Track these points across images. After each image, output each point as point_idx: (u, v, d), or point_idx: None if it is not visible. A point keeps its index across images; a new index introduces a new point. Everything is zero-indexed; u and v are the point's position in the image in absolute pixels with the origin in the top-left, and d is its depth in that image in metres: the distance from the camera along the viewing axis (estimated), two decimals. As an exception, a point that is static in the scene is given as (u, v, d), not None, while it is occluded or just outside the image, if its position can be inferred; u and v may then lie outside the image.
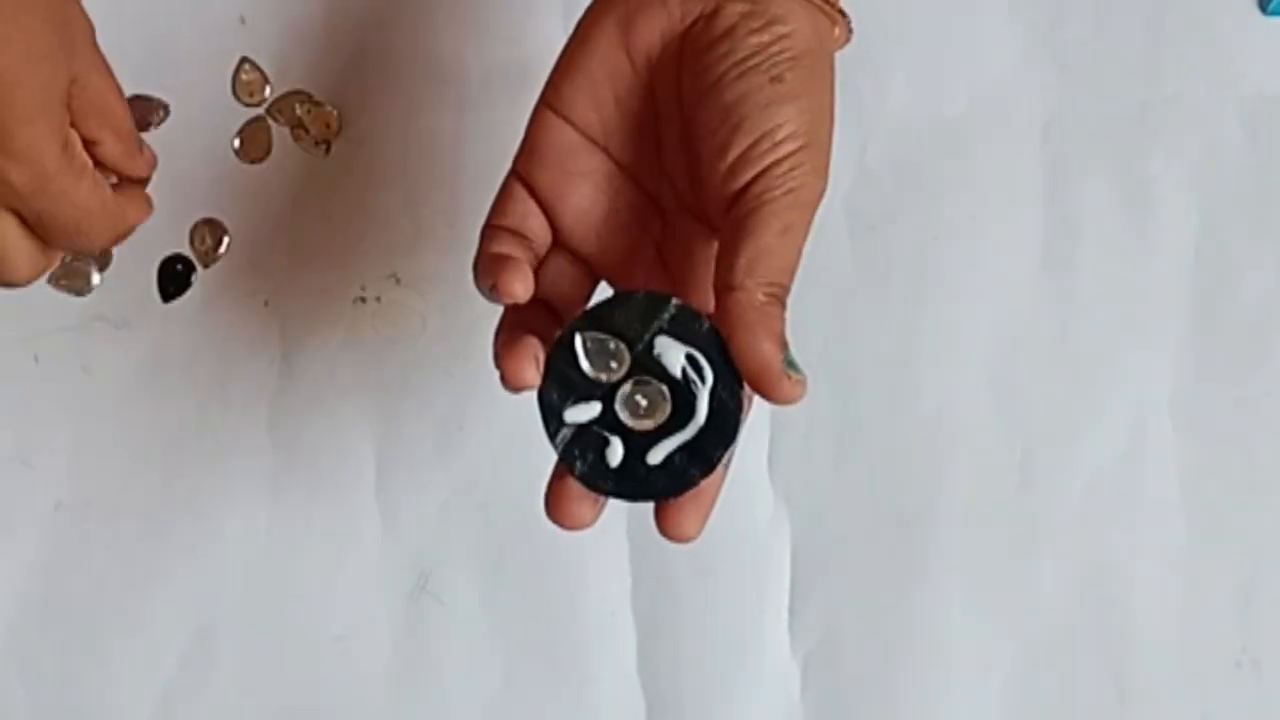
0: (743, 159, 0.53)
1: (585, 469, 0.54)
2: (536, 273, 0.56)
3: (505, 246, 0.56)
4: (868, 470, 0.74)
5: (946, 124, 0.74)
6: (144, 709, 0.72)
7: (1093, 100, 0.75)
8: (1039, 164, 0.74)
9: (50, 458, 0.72)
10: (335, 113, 0.73)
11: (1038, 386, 0.74)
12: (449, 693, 0.73)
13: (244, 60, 0.73)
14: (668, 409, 0.53)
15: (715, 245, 0.55)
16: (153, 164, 0.62)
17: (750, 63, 0.54)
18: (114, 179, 0.60)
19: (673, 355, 0.53)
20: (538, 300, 0.56)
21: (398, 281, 0.73)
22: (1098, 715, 0.74)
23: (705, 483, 0.54)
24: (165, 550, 0.72)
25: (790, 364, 0.53)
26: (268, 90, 0.73)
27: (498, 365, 0.54)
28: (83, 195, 0.57)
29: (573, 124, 0.57)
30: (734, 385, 0.53)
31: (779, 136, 0.53)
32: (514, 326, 0.56)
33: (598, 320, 0.54)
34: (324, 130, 0.73)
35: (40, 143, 0.55)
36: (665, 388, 0.53)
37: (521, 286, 0.54)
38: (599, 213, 0.57)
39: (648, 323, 0.53)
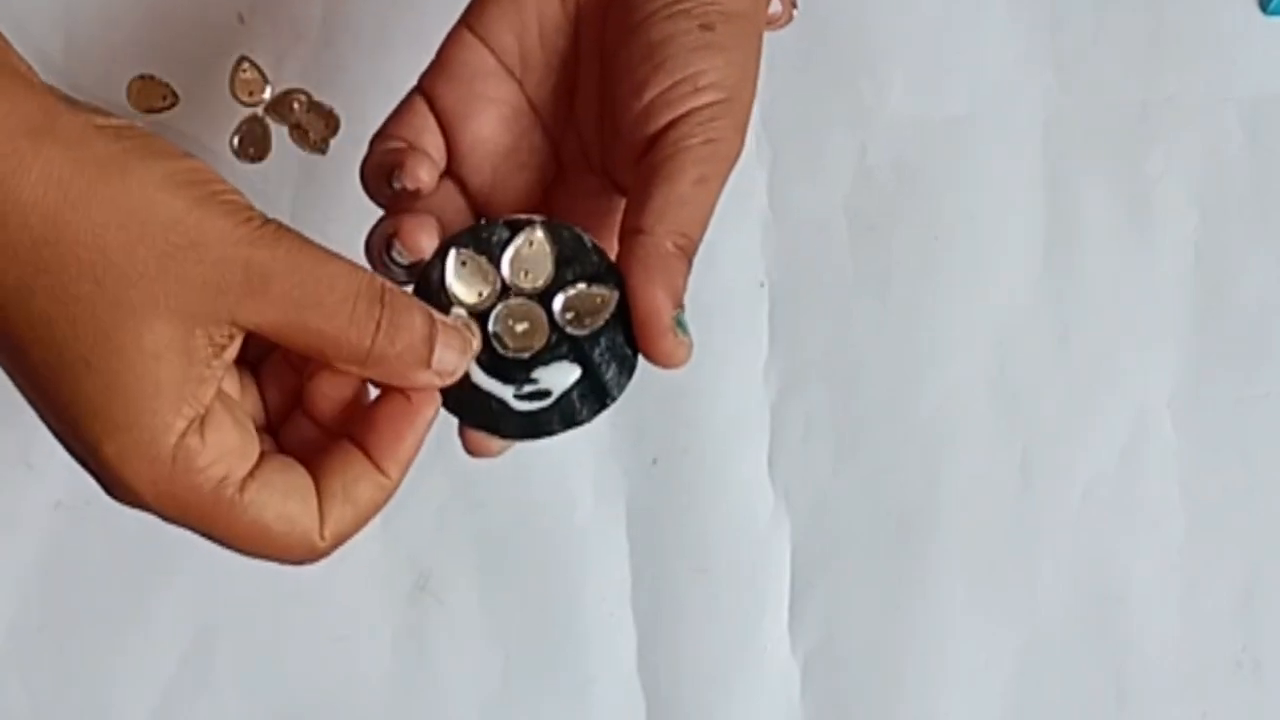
0: (661, 99, 0.51)
1: (450, 397, 0.51)
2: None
3: (401, 147, 0.54)
4: (868, 470, 0.74)
5: (946, 124, 0.74)
6: (144, 709, 0.72)
7: (1093, 100, 0.75)
8: (1039, 164, 0.74)
9: (50, 458, 0.72)
10: (334, 112, 0.73)
11: (1038, 386, 0.74)
12: (449, 693, 0.73)
13: (243, 59, 0.73)
14: (545, 336, 0.51)
15: (606, 202, 0.54)
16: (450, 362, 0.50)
17: (681, 6, 0.52)
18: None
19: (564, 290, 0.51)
20: None
21: (398, 281, 0.73)
22: (1098, 715, 0.74)
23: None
24: (165, 550, 0.72)
25: (680, 324, 0.51)
26: (267, 90, 0.73)
27: (387, 246, 0.51)
28: (238, 523, 0.47)
29: (490, 48, 0.54)
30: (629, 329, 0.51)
31: (701, 82, 0.51)
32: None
33: (475, 239, 0.51)
34: (323, 129, 0.73)
35: (132, 474, 0.46)
36: (540, 312, 0.51)
37: (426, 173, 0.52)
38: (498, 145, 0.55)
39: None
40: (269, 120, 0.73)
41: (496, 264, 0.51)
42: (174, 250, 0.45)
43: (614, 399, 0.51)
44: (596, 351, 0.51)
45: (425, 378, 0.49)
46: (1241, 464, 0.74)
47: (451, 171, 0.55)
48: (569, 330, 0.51)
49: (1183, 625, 0.74)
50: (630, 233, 0.51)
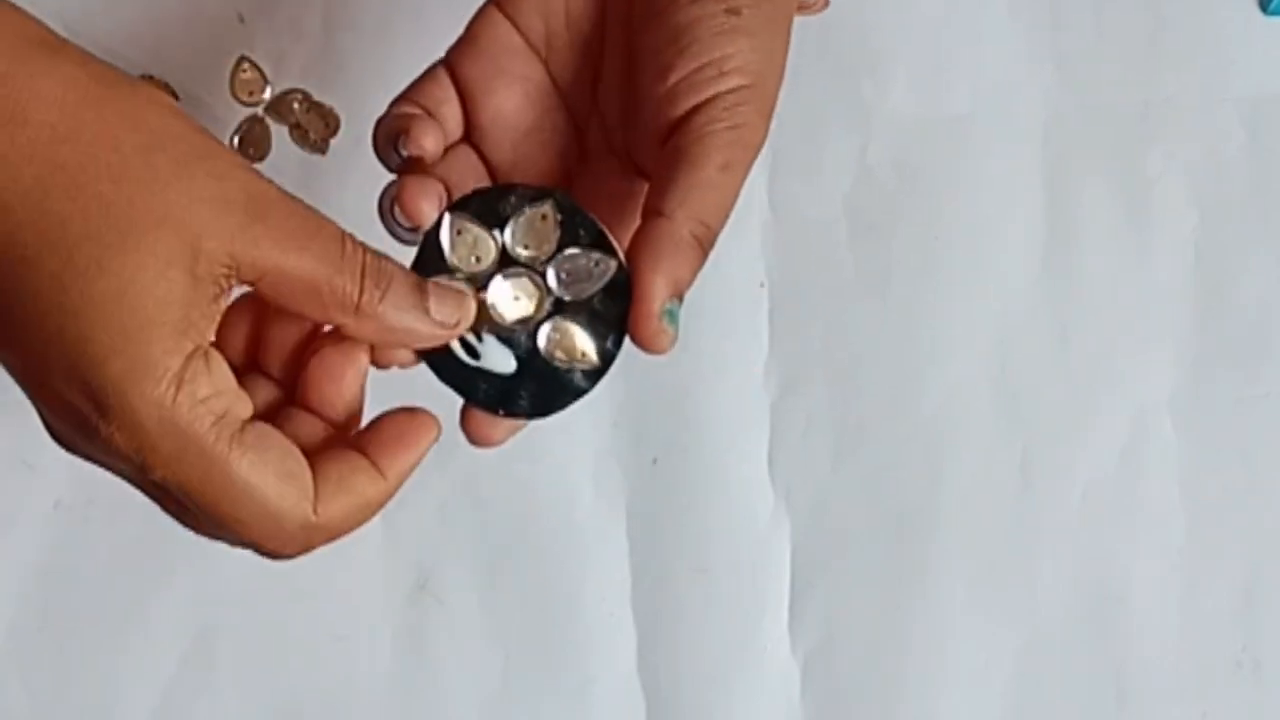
0: (685, 83, 0.51)
1: (449, 371, 0.51)
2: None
3: (412, 113, 0.54)
4: (868, 470, 0.74)
5: (946, 124, 0.74)
6: (144, 709, 0.72)
7: (1093, 100, 0.75)
8: (1039, 164, 0.74)
9: (50, 458, 0.72)
10: (334, 112, 0.73)
11: (1038, 386, 0.74)
12: (449, 693, 0.73)
13: (243, 59, 0.73)
14: (541, 307, 0.51)
15: (626, 185, 0.53)
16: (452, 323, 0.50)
17: None
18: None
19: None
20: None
21: (398, 281, 0.73)
22: (1098, 715, 0.74)
23: None
24: (165, 550, 0.72)
25: (671, 314, 0.50)
26: (267, 90, 0.73)
27: (392, 207, 0.51)
28: (234, 471, 0.46)
29: (517, 26, 0.55)
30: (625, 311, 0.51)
31: (726, 67, 0.51)
32: None
33: (483, 205, 0.51)
34: (323, 129, 0.73)
35: (137, 394, 0.45)
36: (539, 280, 0.51)
37: (431, 140, 0.52)
38: (522, 122, 0.55)
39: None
40: (269, 120, 0.73)
41: (500, 231, 0.51)
42: (187, 160, 0.45)
43: (607, 366, 0.51)
44: (588, 318, 0.51)
45: (426, 328, 0.49)
46: (1241, 464, 0.74)
47: (473, 145, 0.55)
48: (565, 299, 0.51)
49: (1183, 625, 0.74)
50: (650, 213, 0.50)
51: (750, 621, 0.74)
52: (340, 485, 0.48)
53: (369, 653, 0.73)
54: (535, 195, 0.51)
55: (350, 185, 0.73)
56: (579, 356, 0.51)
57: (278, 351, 0.50)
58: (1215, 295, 0.75)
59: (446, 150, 0.54)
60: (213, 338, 0.46)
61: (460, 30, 0.75)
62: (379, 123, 0.54)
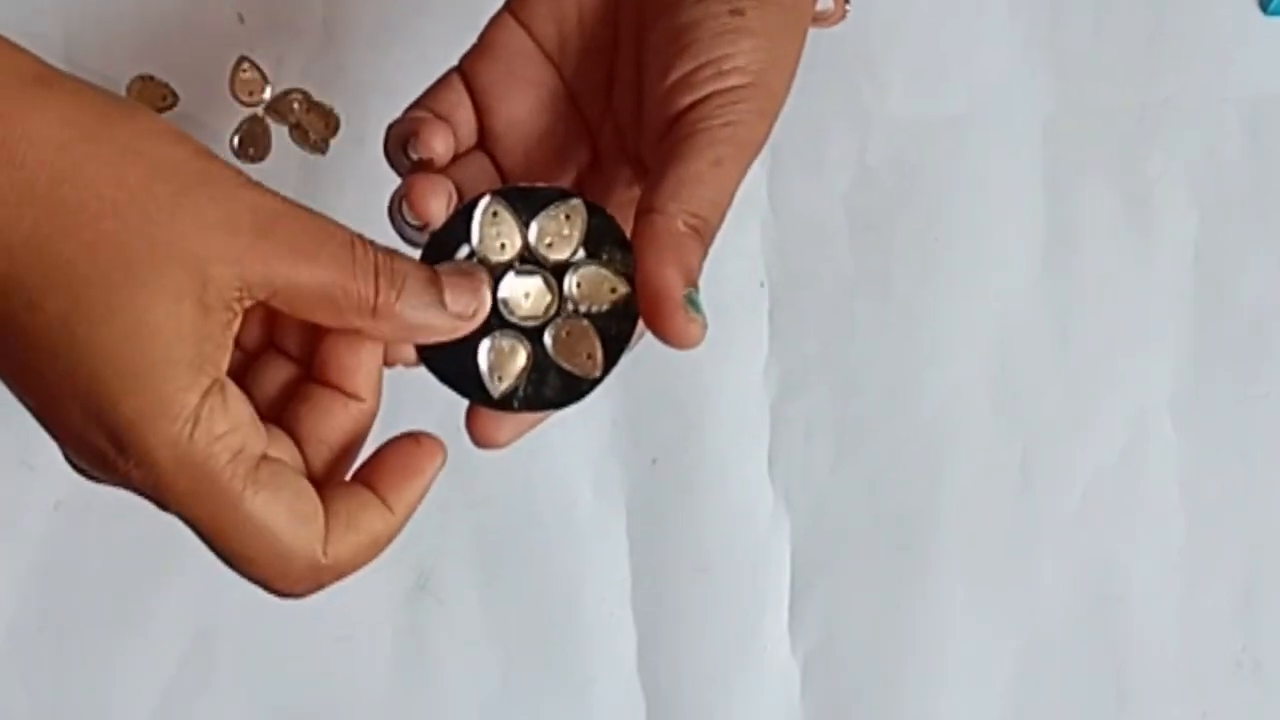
0: (684, 81, 0.51)
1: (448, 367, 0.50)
2: (450, 163, 0.53)
3: (422, 117, 0.54)
4: (868, 470, 0.74)
5: (946, 124, 0.74)
6: (144, 709, 0.72)
7: (1093, 100, 0.75)
8: (1039, 164, 0.74)
9: (50, 458, 0.72)
10: (334, 112, 0.73)
11: (1038, 386, 0.74)
12: (449, 692, 0.73)
13: (243, 59, 0.73)
14: (550, 305, 0.51)
15: (635, 192, 0.53)
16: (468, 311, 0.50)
17: None
18: None
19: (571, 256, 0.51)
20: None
21: (398, 281, 0.73)
22: (1098, 715, 0.74)
23: None
24: (165, 550, 0.72)
25: (692, 302, 0.49)
26: (267, 90, 0.73)
27: (401, 205, 0.51)
28: (247, 509, 0.46)
29: (531, 32, 0.55)
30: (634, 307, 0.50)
31: (725, 66, 0.51)
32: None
33: (510, 199, 0.51)
34: (323, 129, 0.73)
35: (152, 434, 0.44)
36: (553, 282, 0.51)
37: (441, 143, 0.52)
38: (534, 128, 0.55)
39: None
40: (269, 120, 0.73)
41: (524, 227, 0.51)
42: (188, 187, 0.44)
43: (608, 371, 0.51)
44: (596, 322, 0.51)
45: (444, 322, 0.48)
46: (1241, 464, 0.74)
47: (486, 150, 0.55)
48: (576, 306, 0.51)
49: (1183, 625, 0.74)
50: (642, 212, 0.50)
51: (750, 621, 0.74)
52: (350, 524, 0.48)
53: (369, 653, 0.73)
54: (567, 197, 0.51)
55: (350, 185, 0.73)
56: (584, 359, 0.51)
57: (294, 327, 0.49)
58: (1215, 295, 0.75)
59: (460, 156, 0.54)
60: (225, 368, 0.46)
61: (461, 31, 0.75)
62: (390, 127, 0.54)
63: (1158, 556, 0.74)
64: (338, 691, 0.73)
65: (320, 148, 0.73)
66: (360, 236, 0.47)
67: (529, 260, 0.51)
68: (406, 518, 0.49)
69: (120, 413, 0.44)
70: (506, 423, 0.51)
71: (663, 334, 0.50)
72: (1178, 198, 0.75)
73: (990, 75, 0.74)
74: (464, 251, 0.50)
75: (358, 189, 0.73)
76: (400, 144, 0.53)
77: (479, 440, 0.52)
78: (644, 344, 0.52)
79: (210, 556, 0.72)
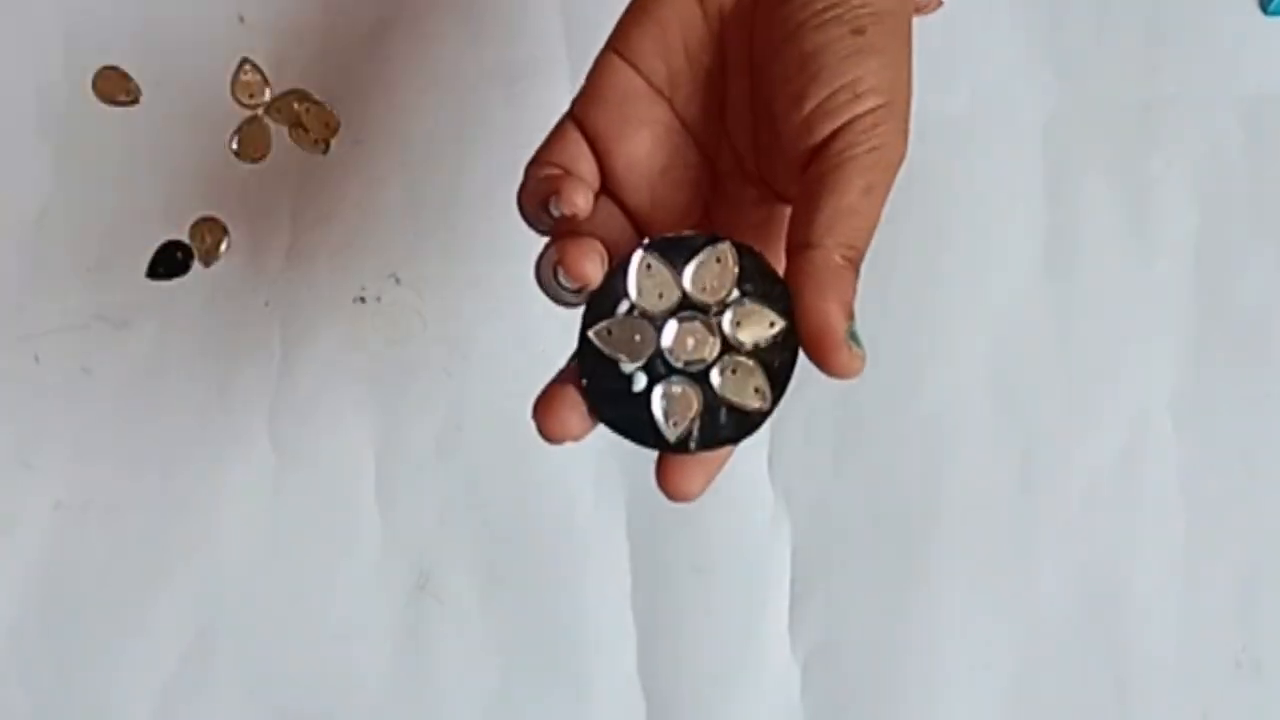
0: (821, 110, 0.51)
1: (597, 391, 0.52)
2: None
3: (556, 174, 0.54)
4: (868, 470, 0.74)
5: (947, 124, 0.74)
6: (144, 709, 0.72)
7: (1093, 100, 0.75)
8: (1039, 164, 0.74)
9: (50, 458, 0.72)
10: (334, 112, 0.73)
11: (1038, 386, 0.74)
12: (448, 693, 0.73)
13: (244, 61, 0.73)
14: (713, 347, 0.52)
15: (765, 211, 0.54)
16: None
17: (831, 13, 0.52)
18: None
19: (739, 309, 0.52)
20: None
21: (398, 281, 0.73)
22: (1098, 715, 0.74)
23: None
24: (165, 550, 0.72)
25: (853, 335, 0.51)
26: (267, 93, 0.73)
27: (555, 271, 0.52)
28: None
29: (639, 70, 0.55)
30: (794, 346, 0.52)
31: (860, 89, 0.51)
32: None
33: (661, 249, 0.52)
34: (323, 129, 0.73)
35: None
36: (713, 324, 0.52)
37: (583, 198, 0.52)
38: (655, 164, 0.55)
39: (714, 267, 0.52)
40: (269, 120, 0.73)
41: (680, 274, 0.52)
42: None
43: (771, 408, 0.53)
44: (759, 360, 0.52)
45: None
46: (1241, 464, 0.74)
47: (610, 193, 0.55)
48: (738, 345, 0.52)
49: (1183, 625, 0.74)
50: (799, 247, 0.51)
51: (750, 621, 0.74)
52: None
53: (369, 653, 0.73)
54: (716, 241, 0.52)
55: (350, 185, 0.73)
56: (751, 394, 0.52)
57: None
58: (1215, 295, 0.74)
59: None
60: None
61: (460, 31, 0.75)
62: (522, 188, 0.54)
63: (1158, 556, 0.74)
64: (338, 691, 0.73)
65: (320, 148, 0.73)
66: None
67: (687, 306, 0.52)
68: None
69: None
70: (696, 472, 0.53)
71: (827, 369, 0.51)
72: (1178, 197, 0.75)
73: (991, 75, 0.74)
74: (624, 306, 0.52)
75: (358, 189, 0.73)
76: (540, 202, 0.53)
77: (673, 494, 0.53)
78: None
79: (210, 556, 0.73)
